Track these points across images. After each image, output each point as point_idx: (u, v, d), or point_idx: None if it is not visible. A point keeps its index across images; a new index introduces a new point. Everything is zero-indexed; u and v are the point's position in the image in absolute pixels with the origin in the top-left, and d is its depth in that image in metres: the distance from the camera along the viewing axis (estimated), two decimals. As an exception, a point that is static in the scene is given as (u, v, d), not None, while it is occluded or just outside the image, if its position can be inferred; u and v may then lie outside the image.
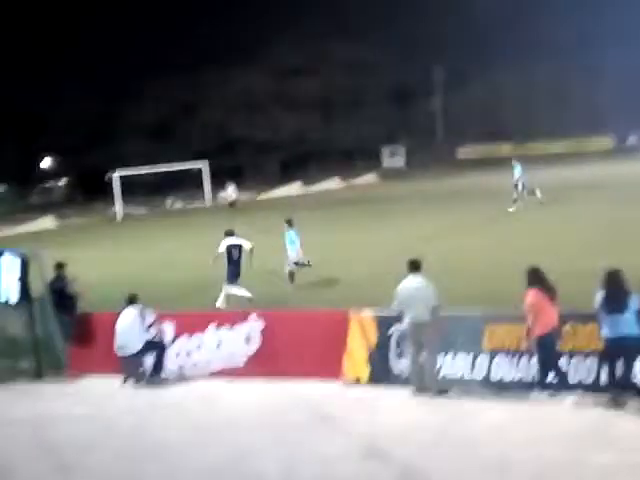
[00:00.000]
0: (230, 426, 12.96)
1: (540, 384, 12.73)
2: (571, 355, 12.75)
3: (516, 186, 34.62)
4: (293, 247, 21.99)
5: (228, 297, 19.50)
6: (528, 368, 12.99)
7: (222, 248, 19.89)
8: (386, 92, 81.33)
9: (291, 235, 22.14)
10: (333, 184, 63.64)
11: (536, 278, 12.83)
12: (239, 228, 33.49)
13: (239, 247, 19.93)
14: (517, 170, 34.91)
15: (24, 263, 16.31)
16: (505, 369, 13.22)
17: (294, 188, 63.83)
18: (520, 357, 13.12)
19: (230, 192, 54.24)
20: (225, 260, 19.84)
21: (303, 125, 79.47)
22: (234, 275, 19.70)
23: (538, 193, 34.77)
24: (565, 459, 10.52)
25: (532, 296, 12.65)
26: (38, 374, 16.64)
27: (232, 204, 53.09)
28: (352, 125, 79.21)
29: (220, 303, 19.33)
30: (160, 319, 15.87)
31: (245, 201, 60.50)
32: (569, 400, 12.34)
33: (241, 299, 19.28)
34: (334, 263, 26.58)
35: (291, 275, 22.05)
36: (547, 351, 12.58)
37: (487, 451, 10.95)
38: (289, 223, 22.44)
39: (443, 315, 13.39)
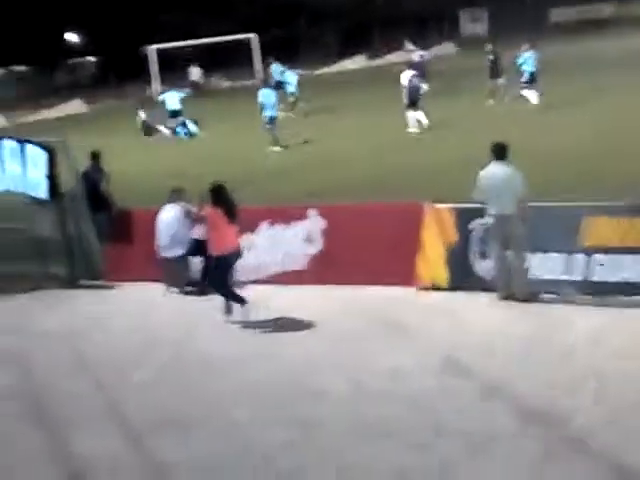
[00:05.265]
0: (289, 337, 13.12)
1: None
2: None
3: None
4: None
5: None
6: (634, 268, 12.89)
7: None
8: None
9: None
10: (403, 56, 62.73)
11: (218, 198, 13.59)
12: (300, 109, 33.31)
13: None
14: None
15: (51, 156, 16.36)
16: (606, 270, 13.11)
17: (357, 61, 63.23)
18: (624, 255, 13.00)
19: (195, 74, 55.88)
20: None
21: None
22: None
23: None
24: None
25: (209, 214, 13.60)
26: (71, 280, 16.93)
27: (195, 86, 54.32)
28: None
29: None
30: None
31: (301, 78, 60.19)
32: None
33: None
34: (407, 147, 26.53)
35: None
36: (219, 271, 13.70)
37: (582, 363, 10.95)
38: None
39: (532, 207, 13.26)
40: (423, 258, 14.38)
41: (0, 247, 17.50)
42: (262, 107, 29.79)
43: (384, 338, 12.61)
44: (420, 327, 12.82)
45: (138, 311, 15.10)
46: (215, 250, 13.68)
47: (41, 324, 15.01)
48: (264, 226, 15.65)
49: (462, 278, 14.06)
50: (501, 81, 34.73)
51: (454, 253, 14.18)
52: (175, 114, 36.23)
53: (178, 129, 35.91)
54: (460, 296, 13.79)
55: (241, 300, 13.80)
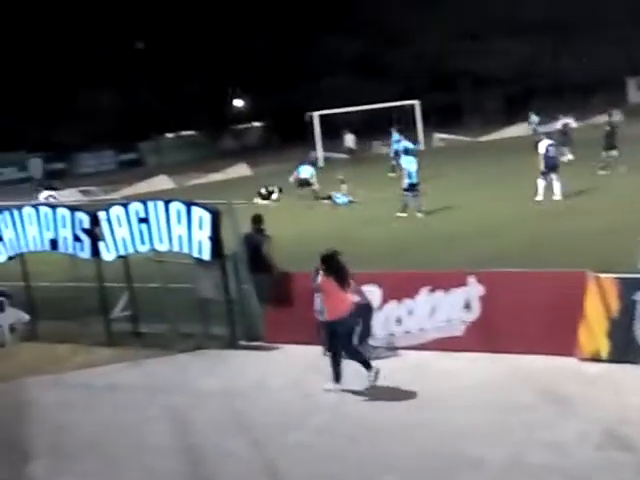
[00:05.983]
0: (446, 404, 12.97)
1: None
2: None
3: None
4: None
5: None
6: None
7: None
8: (631, 11, 78.07)
9: None
10: (562, 123, 61.93)
11: (329, 266, 13.87)
12: (461, 174, 33.74)
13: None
14: None
15: (215, 217, 16.71)
16: None
17: (520, 129, 62.83)
18: None
19: (349, 141, 57.83)
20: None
21: (530, 55, 77.72)
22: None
23: None
24: None
25: (322, 282, 13.89)
26: (232, 341, 17.15)
27: (349, 152, 57.30)
28: (589, 53, 76.75)
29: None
30: (363, 283, 15.93)
31: (463, 144, 60.24)
32: None
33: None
34: (561, 217, 26.18)
35: None
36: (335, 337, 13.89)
37: None
38: None
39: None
40: (585, 328, 14.08)
41: (164, 306, 17.95)
42: (405, 174, 30.77)
43: (545, 409, 12.37)
44: (582, 399, 12.52)
45: (296, 373, 15.17)
46: (330, 316, 13.89)
47: (202, 383, 15.25)
48: (423, 292, 15.58)
49: (625, 350, 13.68)
50: (614, 153, 36.19)
51: (617, 324, 13.83)
52: (304, 183, 39.80)
53: (337, 199, 36.63)
54: (623, 368, 13.42)
55: (367, 364, 13.96)
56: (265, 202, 38.60)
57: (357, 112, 62.94)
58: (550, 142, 30.92)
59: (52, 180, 49.05)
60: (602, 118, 62.56)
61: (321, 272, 13.99)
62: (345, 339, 13.97)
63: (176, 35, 73.90)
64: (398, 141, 45.11)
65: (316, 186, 39.52)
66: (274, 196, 40.10)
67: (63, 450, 12.87)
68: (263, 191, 40.39)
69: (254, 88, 79.33)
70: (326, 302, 13.95)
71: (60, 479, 11.87)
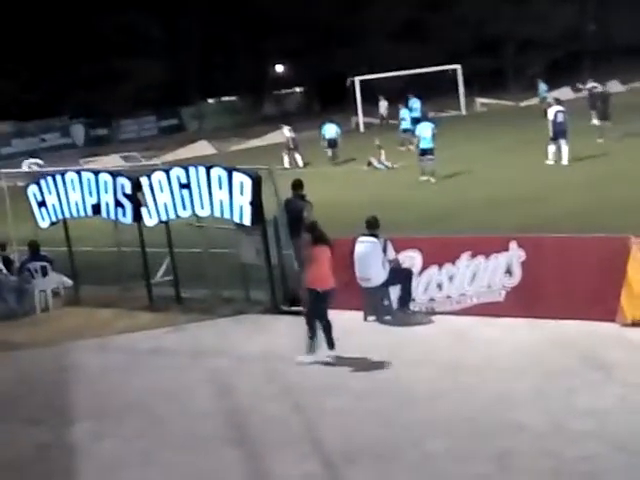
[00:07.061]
0: (486, 369, 12.96)
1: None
2: None
3: None
4: None
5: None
6: None
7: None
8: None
9: None
10: (613, 87, 61.37)
11: (317, 236, 14.03)
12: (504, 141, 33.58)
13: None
14: None
15: (256, 183, 16.73)
16: None
17: (564, 93, 62.26)
18: None
19: (382, 107, 57.57)
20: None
21: (575, 18, 76.85)
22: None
23: None
24: None
25: (317, 251, 13.91)
26: (272, 306, 17.24)
27: (382, 120, 57.09)
28: (635, 16, 75.64)
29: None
30: (404, 248, 15.93)
31: (505, 109, 59.78)
32: None
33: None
34: (606, 181, 25.99)
35: None
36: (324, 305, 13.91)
37: None
38: None
39: None
40: (627, 294, 13.99)
41: (206, 271, 18.05)
42: (420, 139, 31.13)
43: (585, 375, 12.32)
44: (623, 365, 12.47)
45: (335, 338, 15.13)
46: (323, 285, 13.90)
47: (243, 348, 15.35)
48: (464, 257, 15.54)
49: (668, 315, 13.61)
50: (607, 123, 36.77)
51: (660, 289, 13.73)
52: (331, 142, 40.18)
53: (377, 165, 36.57)
54: (666, 334, 13.36)
55: (332, 343, 14.06)
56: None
57: (398, 77, 62.49)
58: (559, 109, 31.34)
59: (94, 147, 49.58)
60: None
61: (311, 240, 14.09)
62: (324, 310, 14.00)
63: (216, 1, 73.76)
64: (411, 109, 44.92)
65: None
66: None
67: (106, 413, 13.01)
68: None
69: (294, 53, 78.99)
70: (316, 270, 13.94)
71: (102, 442, 12.00)
